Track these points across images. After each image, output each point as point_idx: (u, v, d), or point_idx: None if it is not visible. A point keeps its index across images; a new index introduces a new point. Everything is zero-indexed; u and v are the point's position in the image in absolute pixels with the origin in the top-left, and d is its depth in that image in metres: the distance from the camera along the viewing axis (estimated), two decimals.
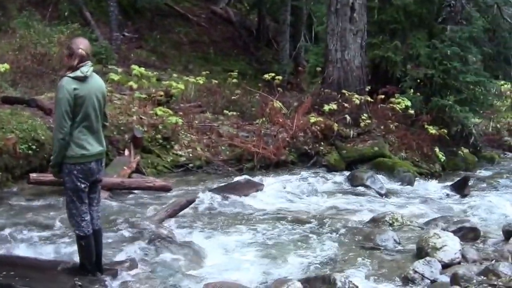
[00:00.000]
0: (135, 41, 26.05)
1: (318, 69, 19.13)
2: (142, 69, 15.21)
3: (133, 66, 15.38)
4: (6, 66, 13.61)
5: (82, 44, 6.72)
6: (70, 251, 7.93)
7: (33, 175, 10.73)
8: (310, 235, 9.33)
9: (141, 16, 28.08)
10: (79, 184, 6.65)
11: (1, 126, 11.39)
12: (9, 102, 13.50)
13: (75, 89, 6.47)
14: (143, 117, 13.69)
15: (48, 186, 10.87)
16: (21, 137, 11.36)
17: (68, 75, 6.57)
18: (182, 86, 15.51)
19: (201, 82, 16.89)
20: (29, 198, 10.58)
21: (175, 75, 18.36)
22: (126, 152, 12.23)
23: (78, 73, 6.56)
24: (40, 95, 15.30)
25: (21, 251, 8.02)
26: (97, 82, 6.82)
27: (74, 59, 6.60)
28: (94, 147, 6.70)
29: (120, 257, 7.85)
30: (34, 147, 11.41)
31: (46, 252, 8.00)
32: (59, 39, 19.23)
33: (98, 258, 7.03)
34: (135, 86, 14.58)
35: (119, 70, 15.95)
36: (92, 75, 6.73)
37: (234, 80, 19.14)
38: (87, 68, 6.64)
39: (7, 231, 8.71)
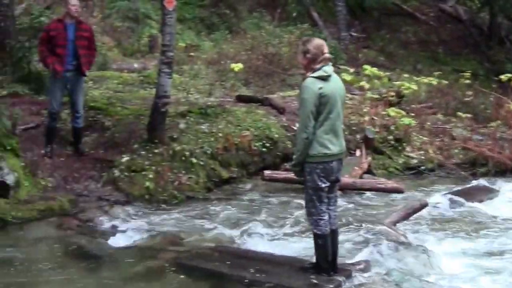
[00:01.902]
0: (363, 40, 26.03)
1: None
2: (374, 69, 15.08)
3: (365, 66, 15.33)
4: (240, 65, 14.04)
5: (324, 47, 6.72)
6: (303, 249, 8.00)
7: (267, 172, 10.96)
8: None
9: (368, 16, 28.04)
10: (320, 183, 6.64)
11: (237, 124, 11.78)
12: (243, 100, 13.93)
13: (320, 88, 6.46)
14: (375, 118, 13.55)
15: (281, 184, 11.05)
16: (256, 135, 11.69)
17: (312, 75, 6.57)
18: (414, 87, 15.19)
19: (434, 82, 16.44)
20: (263, 195, 10.80)
21: (405, 75, 18.06)
22: (358, 153, 12.15)
23: (321, 72, 6.55)
24: (270, 94, 15.65)
25: (256, 246, 8.17)
26: (338, 82, 6.81)
27: (318, 62, 6.59)
28: (335, 146, 6.66)
29: (354, 258, 7.74)
30: (268, 144, 11.70)
31: (280, 248, 8.07)
32: (289, 40, 19.57)
33: (333, 258, 6.97)
34: (366, 86, 14.48)
35: (351, 70, 15.92)
36: (333, 74, 6.71)
37: (467, 81, 18.44)
38: (329, 68, 6.64)
39: (243, 226, 8.94)
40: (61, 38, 10.39)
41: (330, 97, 6.52)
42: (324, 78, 6.54)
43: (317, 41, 6.80)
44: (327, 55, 6.65)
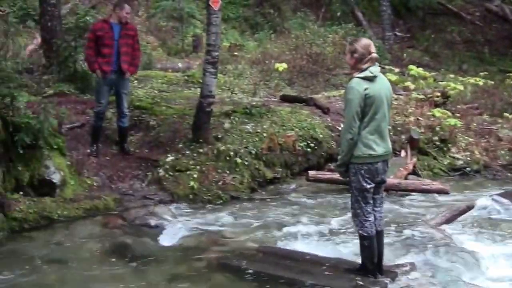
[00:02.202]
0: (407, 40, 25.86)
1: None
2: (420, 70, 14.92)
3: (410, 66, 15.20)
4: (284, 65, 14.00)
5: (372, 47, 6.67)
6: (348, 250, 7.93)
7: (312, 173, 10.91)
8: None
9: (413, 15, 27.88)
10: (365, 184, 6.61)
11: (282, 124, 11.76)
12: (288, 100, 13.91)
13: (365, 89, 6.42)
14: (420, 118, 13.42)
15: (325, 184, 10.99)
16: (300, 135, 11.65)
17: (357, 75, 6.53)
18: (460, 87, 15.00)
19: (480, 83, 16.21)
20: (307, 195, 10.73)
21: (451, 75, 17.86)
22: (403, 153, 12.05)
23: (367, 73, 6.51)
24: (315, 94, 15.61)
25: (300, 247, 8.14)
26: (384, 82, 6.77)
27: (365, 62, 6.55)
28: (381, 147, 6.62)
29: (399, 260, 7.66)
30: (312, 145, 11.67)
31: (324, 249, 8.02)
32: (333, 39, 19.49)
33: (379, 260, 6.93)
34: (412, 86, 14.34)
35: (396, 70, 15.79)
36: (379, 74, 6.67)
37: None
38: (375, 68, 6.59)
39: (287, 227, 8.94)
40: (107, 38, 10.46)
41: (376, 98, 6.48)
42: (370, 79, 6.50)
43: (365, 41, 6.77)
44: (374, 54, 6.61)
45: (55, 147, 9.55)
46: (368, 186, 6.64)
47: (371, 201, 6.77)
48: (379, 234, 6.89)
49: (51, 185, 9.25)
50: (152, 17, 22.63)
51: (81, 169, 10.05)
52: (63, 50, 13.63)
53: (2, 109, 8.96)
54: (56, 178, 9.31)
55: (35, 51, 16.25)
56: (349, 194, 6.88)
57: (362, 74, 6.51)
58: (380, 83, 6.62)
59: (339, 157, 6.74)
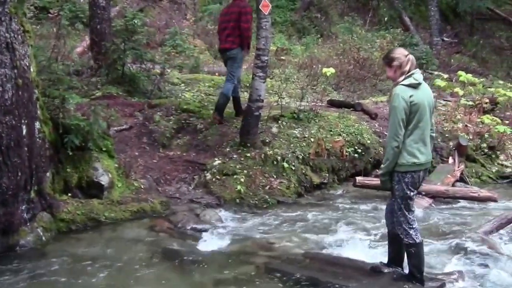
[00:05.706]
0: (455, 46, 25.65)
1: None
2: (469, 76, 14.76)
3: (460, 72, 15.02)
4: (332, 70, 13.93)
5: (405, 50, 6.72)
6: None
7: (359, 178, 10.88)
8: None
9: (461, 20, 27.68)
10: (408, 192, 6.62)
11: (329, 129, 11.75)
12: (335, 105, 13.90)
13: (410, 96, 6.43)
14: (468, 125, 13.28)
15: (372, 190, 10.93)
16: (348, 140, 11.61)
17: (403, 83, 6.52)
18: (510, 94, 14.78)
19: None
20: (353, 201, 10.70)
21: (500, 82, 17.63)
22: (450, 160, 11.94)
23: (412, 80, 6.52)
24: (361, 99, 15.55)
25: (347, 253, 8.08)
26: (427, 90, 6.77)
27: (405, 65, 6.54)
28: (424, 156, 6.61)
29: (446, 268, 7.59)
30: (359, 150, 11.62)
31: (370, 256, 7.93)
32: (381, 44, 19.41)
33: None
34: (460, 92, 14.21)
35: (445, 76, 15.65)
36: (422, 82, 6.65)
37: None
38: (419, 75, 6.60)
39: (333, 232, 8.92)
40: None
41: (420, 105, 6.49)
42: (415, 86, 6.52)
43: (396, 48, 6.96)
44: (411, 56, 6.65)
45: (104, 149, 9.63)
46: (412, 194, 6.67)
47: (413, 209, 6.78)
48: None
49: (99, 187, 9.31)
50: (199, 20, 22.73)
51: (128, 171, 10.10)
52: (112, 52, 13.72)
53: (53, 111, 9.03)
54: (104, 180, 9.38)
55: (83, 53, 16.43)
56: None
57: (407, 81, 6.52)
58: (424, 90, 6.63)
59: (382, 165, 6.74)
